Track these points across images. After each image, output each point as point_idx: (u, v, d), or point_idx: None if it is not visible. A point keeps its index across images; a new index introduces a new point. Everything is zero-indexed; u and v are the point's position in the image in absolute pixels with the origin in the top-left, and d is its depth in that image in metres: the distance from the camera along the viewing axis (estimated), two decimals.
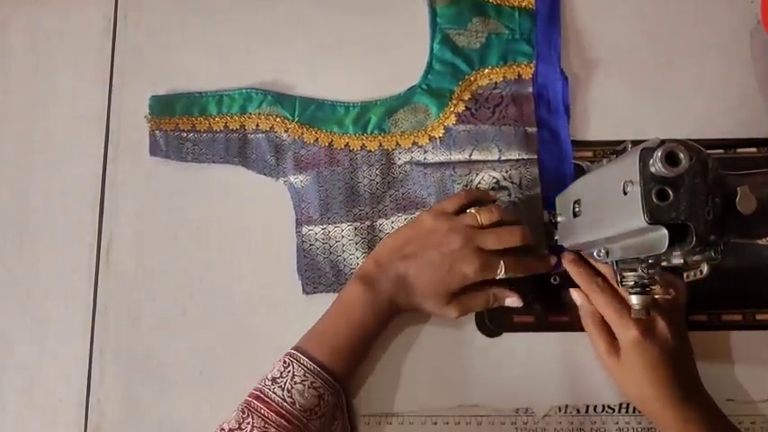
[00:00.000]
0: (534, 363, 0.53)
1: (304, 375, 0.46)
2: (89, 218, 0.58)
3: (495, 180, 0.55)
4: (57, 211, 0.58)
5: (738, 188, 0.35)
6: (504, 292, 0.51)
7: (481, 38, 0.57)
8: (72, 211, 0.58)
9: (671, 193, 0.35)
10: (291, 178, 0.56)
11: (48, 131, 0.60)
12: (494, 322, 0.53)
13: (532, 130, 0.55)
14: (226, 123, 0.57)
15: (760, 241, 0.37)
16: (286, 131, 0.57)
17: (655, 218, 0.35)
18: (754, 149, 0.54)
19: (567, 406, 0.52)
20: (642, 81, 0.57)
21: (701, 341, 0.51)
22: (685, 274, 0.40)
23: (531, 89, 0.56)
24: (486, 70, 0.57)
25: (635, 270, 0.42)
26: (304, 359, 0.47)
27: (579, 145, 0.55)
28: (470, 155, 0.55)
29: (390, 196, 0.56)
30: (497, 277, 0.48)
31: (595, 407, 0.52)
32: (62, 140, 0.60)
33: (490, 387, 0.52)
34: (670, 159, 0.34)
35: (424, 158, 0.56)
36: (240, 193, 0.57)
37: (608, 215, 0.40)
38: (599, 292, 0.48)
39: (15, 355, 0.56)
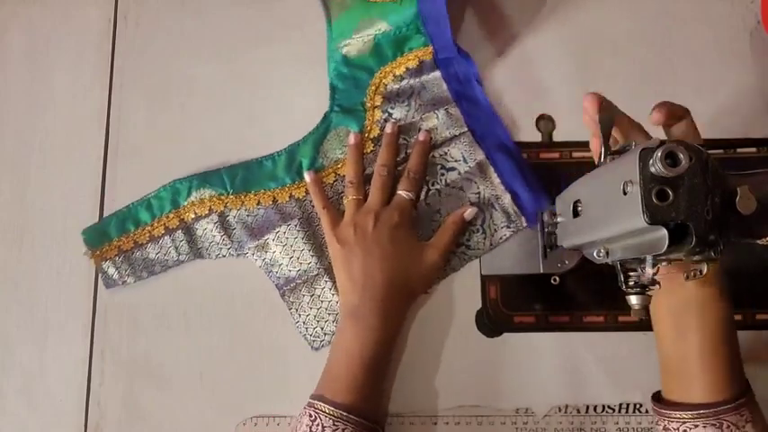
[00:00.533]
0: (534, 363, 0.53)
1: (334, 425, 0.45)
2: (89, 218, 0.58)
3: (439, 165, 0.55)
4: (57, 211, 0.58)
5: (738, 188, 0.35)
6: (458, 213, 0.53)
7: (369, 41, 0.56)
8: (72, 211, 0.58)
9: (671, 193, 0.35)
10: (253, 249, 0.55)
11: (48, 131, 0.60)
12: (494, 322, 0.53)
13: (453, 107, 0.55)
14: (164, 225, 0.56)
15: (760, 241, 0.37)
16: (225, 206, 0.55)
17: (655, 218, 0.35)
18: (754, 149, 0.54)
19: (567, 406, 0.52)
20: (642, 81, 0.57)
21: None
22: (685, 274, 0.40)
23: (437, 70, 0.55)
24: (387, 68, 0.56)
25: (635, 270, 0.42)
26: (327, 407, 0.46)
27: (579, 145, 0.55)
28: (406, 152, 0.55)
29: None
30: (410, 196, 0.52)
31: (595, 407, 0.52)
32: (62, 140, 0.60)
33: (490, 387, 0.52)
34: (670, 159, 0.34)
35: (365, 171, 0.55)
36: None
37: (608, 215, 0.40)
38: None
39: (15, 355, 0.56)
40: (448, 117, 0.55)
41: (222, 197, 0.56)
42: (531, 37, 0.58)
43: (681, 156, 0.34)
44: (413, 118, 0.55)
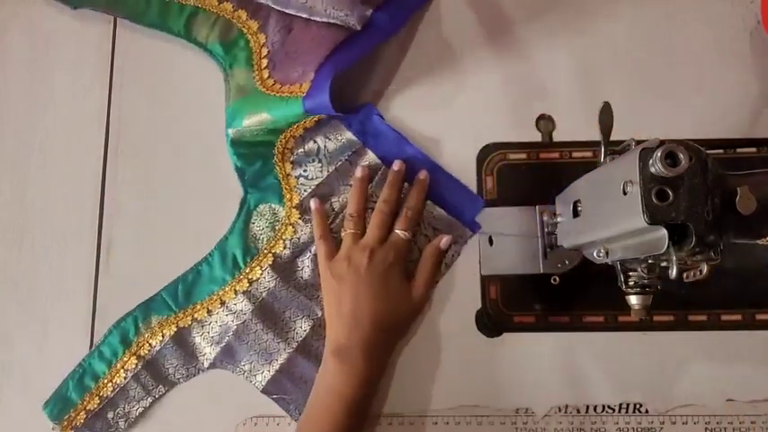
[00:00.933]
0: (534, 363, 0.53)
1: None
2: (89, 218, 0.58)
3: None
4: (57, 211, 0.58)
5: (738, 188, 0.35)
6: (434, 244, 0.53)
7: (261, 129, 0.54)
8: (72, 211, 0.58)
9: (671, 193, 0.35)
10: (214, 356, 0.54)
11: (48, 131, 0.60)
12: (494, 322, 0.53)
13: (361, 147, 0.55)
14: (123, 368, 0.54)
15: (760, 241, 0.37)
16: (177, 326, 0.54)
17: (655, 218, 0.35)
18: (754, 149, 0.54)
19: (567, 406, 0.52)
20: (642, 81, 0.57)
21: (700, 341, 0.52)
22: (685, 274, 0.39)
23: (333, 119, 0.54)
24: (285, 133, 0.54)
25: (635, 270, 0.42)
26: None
27: (579, 145, 0.55)
28: (332, 207, 0.55)
29: (306, 294, 0.54)
30: (407, 236, 0.52)
31: (595, 407, 0.52)
32: (62, 140, 0.60)
33: (490, 387, 0.52)
34: (670, 159, 0.34)
35: (300, 240, 0.54)
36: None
37: (608, 215, 0.40)
38: None
39: (15, 355, 0.56)
40: (359, 157, 0.55)
41: (170, 318, 0.54)
42: (531, 37, 0.58)
43: (681, 156, 0.34)
44: (328, 172, 0.55)
